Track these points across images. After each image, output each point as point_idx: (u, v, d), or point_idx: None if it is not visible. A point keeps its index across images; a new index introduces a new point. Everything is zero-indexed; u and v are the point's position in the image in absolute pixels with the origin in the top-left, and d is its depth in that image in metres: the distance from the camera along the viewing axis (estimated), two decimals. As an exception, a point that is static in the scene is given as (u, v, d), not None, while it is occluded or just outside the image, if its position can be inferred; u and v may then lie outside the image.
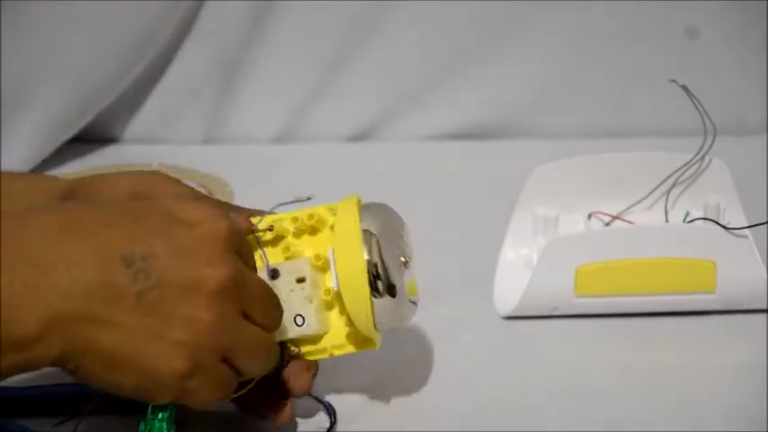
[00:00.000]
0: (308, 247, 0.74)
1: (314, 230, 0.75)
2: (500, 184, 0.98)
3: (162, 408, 0.69)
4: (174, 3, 1.07)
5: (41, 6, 1.02)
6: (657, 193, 0.90)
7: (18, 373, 0.64)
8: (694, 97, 0.88)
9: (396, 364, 0.84)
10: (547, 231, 0.90)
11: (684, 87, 0.88)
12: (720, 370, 0.83)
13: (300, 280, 0.73)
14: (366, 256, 0.72)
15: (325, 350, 0.74)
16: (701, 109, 0.88)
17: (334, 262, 0.73)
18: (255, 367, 0.69)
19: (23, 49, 1.04)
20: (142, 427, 0.69)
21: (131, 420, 0.71)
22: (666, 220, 0.89)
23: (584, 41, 1.10)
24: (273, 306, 0.70)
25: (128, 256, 0.64)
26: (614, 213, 0.90)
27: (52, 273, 0.63)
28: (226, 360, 0.67)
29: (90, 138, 1.12)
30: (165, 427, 0.69)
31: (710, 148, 0.88)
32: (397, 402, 0.81)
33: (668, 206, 0.90)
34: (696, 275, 0.85)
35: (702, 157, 0.89)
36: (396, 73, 1.12)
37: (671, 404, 0.80)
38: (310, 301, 0.73)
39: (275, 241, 0.74)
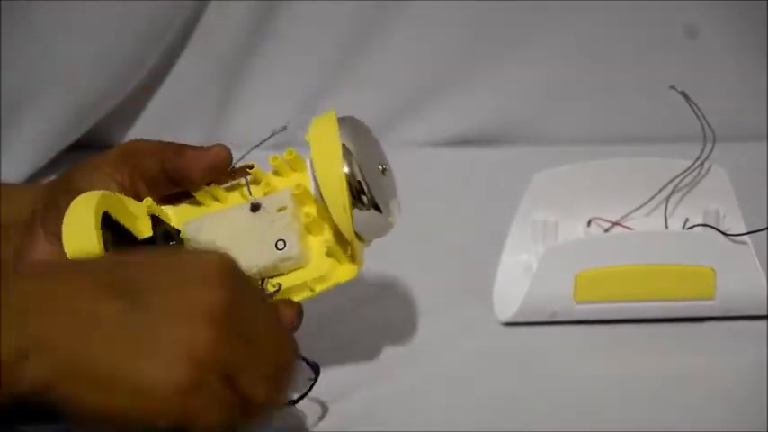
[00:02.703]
0: (287, 184, 0.76)
1: (293, 169, 0.76)
2: (500, 190, 0.98)
3: None
4: (175, 10, 1.07)
5: (41, 13, 1.02)
6: (657, 199, 0.90)
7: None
8: (694, 104, 0.88)
9: (395, 369, 0.84)
10: (546, 237, 0.90)
11: (684, 94, 0.88)
12: (720, 376, 0.83)
13: (281, 209, 0.74)
14: (346, 168, 0.73)
15: (305, 285, 0.75)
16: (700, 115, 0.88)
17: (313, 169, 0.74)
18: (266, 392, 0.64)
19: (24, 57, 1.04)
20: None
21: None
22: (666, 227, 0.89)
23: (584, 48, 1.10)
24: (283, 339, 0.66)
25: (117, 289, 0.62)
26: (614, 219, 0.90)
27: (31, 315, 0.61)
28: (231, 382, 0.63)
29: (90, 144, 1.12)
30: None
31: (710, 154, 0.88)
32: (397, 406, 0.81)
33: (668, 212, 0.90)
34: (696, 282, 0.85)
35: (702, 164, 0.89)
36: (396, 78, 1.12)
37: (671, 410, 0.80)
38: (292, 227, 0.74)
39: (255, 182, 0.76)
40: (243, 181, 0.76)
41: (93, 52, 1.06)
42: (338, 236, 0.75)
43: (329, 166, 0.73)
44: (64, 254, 0.73)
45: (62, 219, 0.73)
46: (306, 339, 0.77)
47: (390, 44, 1.10)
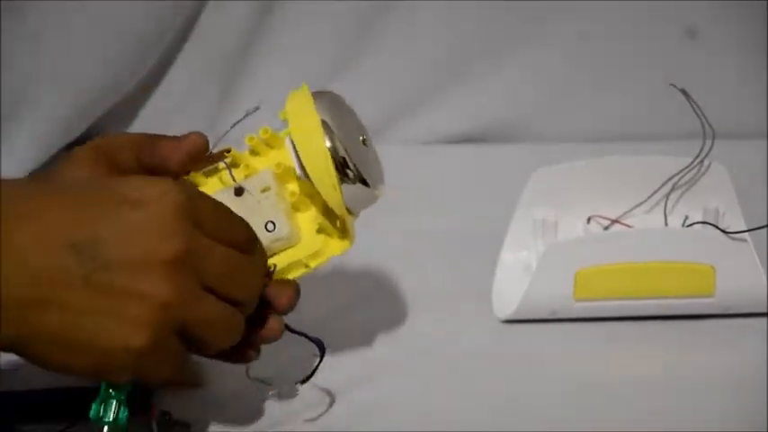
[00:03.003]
0: (267, 164, 0.75)
1: (270, 147, 0.75)
2: (499, 187, 0.98)
3: (117, 386, 0.68)
4: (174, 9, 1.07)
5: (41, 13, 1.02)
6: (657, 196, 0.90)
7: None
8: (693, 101, 0.88)
9: (394, 368, 0.84)
10: (546, 235, 0.90)
11: (683, 91, 0.88)
12: (720, 374, 0.83)
13: (265, 190, 0.74)
14: (328, 143, 0.72)
15: (300, 263, 0.74)
16: (700, 113, 0.88)
17: (296, 147, 0.73)
18: (214, 343, 0.69)
19: (24, 56, 1.04)
20: (95, 406, 0.68)
21: (134, 422, 0.71)
22: (666, 224, 0.89)
23: (584, 46, 1.10)
24: (243, 272, 0.69)
25: (74, 242, 0.64)
26: (613, 217, 0.90)
27: None
28: (182, 334, 0.67)
29: (89, 143, 1.12)
30: (120, 406, 0.69)
31: (710, 151, 0.88)
32: (396, 405, 0.81)
33: (667, 210, 0.90)
34: (695, 279, 0.85)
35: (702, 161, 0.89)
36: (396, 77, 1.12)
37: (670, 408, 0.80)
38: (278, 207, 0.73)
39: (234, 165, 0.75)
40: (221, 165, 0.75)
41: (93, 52, 1.05)
42: (326, 210, 0.74)
43: (311, 143, 0.73)
44: None
45: None
46: (303, 339, 0.77)
47: (390, 43, 1.10)
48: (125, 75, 1.08)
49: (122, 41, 1.06)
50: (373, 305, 0.90)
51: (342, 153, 0.73)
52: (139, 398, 0.71)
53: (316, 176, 0.73)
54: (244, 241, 0.70)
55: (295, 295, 0.74)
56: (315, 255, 0.75)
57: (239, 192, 0.74)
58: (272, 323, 0.73)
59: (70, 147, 1.10)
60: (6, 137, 1.05)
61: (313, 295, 0.76)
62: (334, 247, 0.75)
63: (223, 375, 0.81)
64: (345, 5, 1.09)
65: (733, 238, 0.85)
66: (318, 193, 0.73)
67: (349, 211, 0.74)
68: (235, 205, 0.73)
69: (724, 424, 0.78)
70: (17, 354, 0.65)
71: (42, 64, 1.04)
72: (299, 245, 0.74)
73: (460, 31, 1.10)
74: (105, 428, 0.69)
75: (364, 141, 0.75)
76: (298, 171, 0.74)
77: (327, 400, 0.81)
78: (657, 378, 0.83)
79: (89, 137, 1.11)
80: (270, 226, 0.73)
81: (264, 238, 0.73)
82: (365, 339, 0.87)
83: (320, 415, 0.80)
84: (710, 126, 0.87)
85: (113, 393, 0.68)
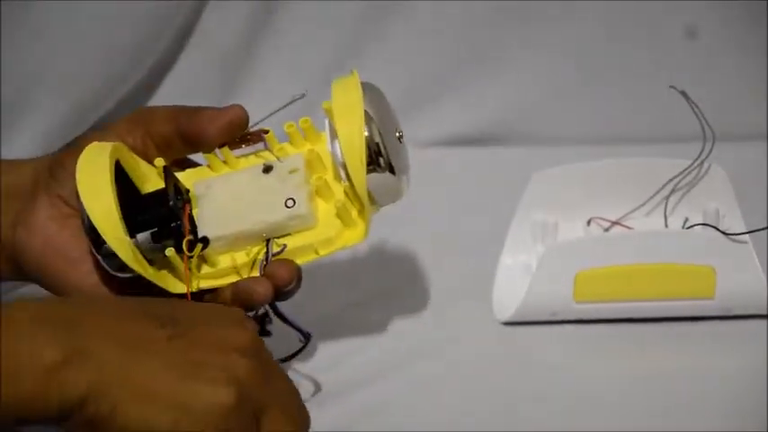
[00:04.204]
0: (302, 150, 0.76)
1: (306, 138, 0.76)
2: (499, 190, 0.98)
3: None
4: (175, 9, 1.07)
5: (41, 13, 1.02)
6: (657, 198, 0.90)
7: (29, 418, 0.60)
8: (693, 103, 0.88)
9: (395, 369, 0.84)
10: (546, 237, 0.90)
11: (683, 93, 0.88)
12: (720, 375, 0.83)
13: (293, 171, 0.75)
14: (366, 130, 0.73)
15: (311, 248, 0.75)
16: (699, 115, 0.88)
17: (334, 126, 0.74)
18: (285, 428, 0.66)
19: (24, 56, 1.04)
20: None
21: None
22: (666, 226, 0.89)
23: (584, 48, 1.10)
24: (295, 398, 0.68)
25: (160, 318, 0.64)
26: (613, 219, 0.90)
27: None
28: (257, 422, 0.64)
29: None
30: None
31: (710, 153, 0.88)
32: (396, 406, 0.81)
33: (667, 212, 0.90)
34: (695, 281, 0.85)
35: (701, 163, 0.89)
36: (396, 79, 1.12)
37: (670, 409, 0.80)
38: (301, 187, 0.74)
39: (269, 149, 0.76)
40: (254, 149, 0.76)
41: (93, 51, 1.05)
42: (347, 198, 0.75)
43: (350, 121, 0.73)
44: (67, 218, 0.74)
45: (68, 179, 0.74)
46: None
47: (390, 44, 1.10)
48: (125, 74, 1.08)
49: (123, 41, 1.06)
50: (374, 307, 0.90)
51: (377, 140, 0.73)
52: None
53: (348, 151, 0.73)
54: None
55: (296, 280, 0.74)
56: (327, 242, 0.75)
57: (268, 169, 0.75)
58: (284, 269, 0.73)
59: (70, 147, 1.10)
60: (6, 137, 1.05)
61: (313, 297, 0.76)
62: (347, 238, 0.75)
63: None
64: (346, 7, 1.09)
65: (733, 240, 0.85)
66: (344, 182, 0.74)
67: (372, 201, 0.74)
68: (261, 179, 0.74)
69: (724, 425, 0.79)
70: (89, 413, 0.61)
71: (42, 64, 1.04)
72: (313, 228, 0.75)
73: (460, 34, 1.10)
74: None
75: (400, 138, 0.76)
76: (330, 150, 0.75)
77: (327, 400, 0.81)
78: (657, 380, 0.83)
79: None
80: (290, 202, 0.74)
81: (282, 212, 0.74)
82: (365, 340, 0.87)
83: (319, 417, 0.80)
84: (710, 128, 0.87)
85: None
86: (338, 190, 0.75)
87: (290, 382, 0.68)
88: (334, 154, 0.75)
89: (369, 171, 0.73)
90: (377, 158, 0.73)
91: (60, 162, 0.76)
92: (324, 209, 0.75)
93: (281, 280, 0.73)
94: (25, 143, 1.06)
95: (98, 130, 0.76)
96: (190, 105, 0.76)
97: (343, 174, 0.74)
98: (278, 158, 0.75)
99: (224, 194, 0.75)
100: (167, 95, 1.11)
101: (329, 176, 0.76)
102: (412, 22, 1.09)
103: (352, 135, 0.73)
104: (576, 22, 1.10)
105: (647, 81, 1.10)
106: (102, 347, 0.61)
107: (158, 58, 1.09)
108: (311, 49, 1.11)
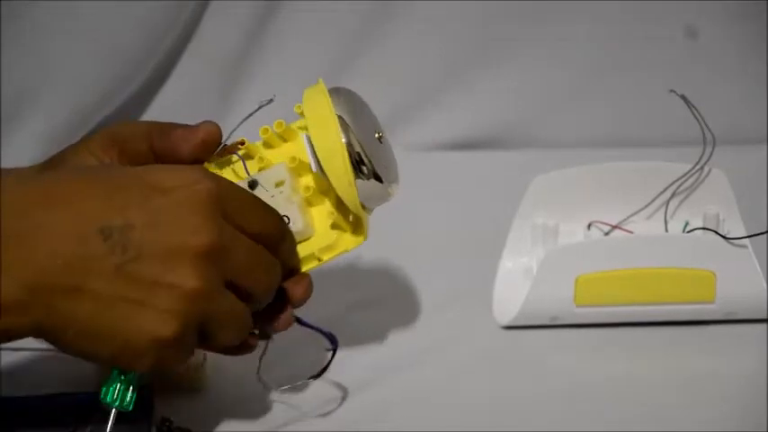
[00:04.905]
0: (281, 157, 0.75)
1: (284, 139, 0.75)
2: (499, 193, 0.98)
3: (127, 371, 0.69)
4: (176, 12, 1.07)
5: (42, 13, 1.02)
6: (657, 202, 0.90)
7: None
8: (694, 107, 0.88)
9: (395, 372, 0.84)
10: (546, 241, 0.90)
11: (684, 97, 0.88)
12: (720, 380, 0.83)
13: (279, 184, 0.74)
14: (343, 139, 0.73)
15: (313, 256, 0.74)
16: (700, 119, 0.88)
17: (312, 143, 0.73)
18: (224, 340, 0.69)
19: (24, 57, 1.03)
20: (106, 389, 0.69)
21: (135, 428, 0.71)
22: (666, 230, 0.89)
23: (584, 52, 1.10)
24: (265, 270, 0.70)
25: (105, 228, 0.65)
26: (614, 223, 0.90)
27: (30, 244, 0.64)
28: (198, 327, 0.67)
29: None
30: (130, 389, 0.69)
31: (710, 158, 0.88)
32: (397, 410, 0.81)
33: (668, 216, 0.90)
34: (696, 285, 0.85)
35: (702, 167, 0.89)
36: (396, 82, 1.12)
37: (671, 414, 0.80)
38: (292, 201, 0.74)
39: (247, 157, 0.75)
40: (234, 157, 0.75)
41: (94, 52, 1.05)
42: (340, 204, 0.74)
43: (327, 138, 0.73)
44: None
45: None
46: (305, 342, 0.77)
47: (390, 48, 1.10)
48: (126, 76, 1.08)
49: (124, 43, 1.06)
50: (374, 310, 0.90)
51: (357, 149, 0.73)
52: (140, 404, 0.71)
53: (331, 172, 0.73)
54: (275, 232, 0.70)
55: (309, 288, 0.74)
56: (327, 248, 0.75)
57: (253, 185, 0.74)
58: (285, 315, 0.74)
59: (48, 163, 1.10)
60: (6, 137, 1.05)
61: (312, 300, 0.76)
62: (348, 242, 0.75)
63: (224, 381, 0.81)
64: (346, 11, 1.09)
65: (733, 244, 0.85)
66: (333, 188, 0.74)
67: (363, 207, 0.74)
68: None
69: (724, 429, 0.79)
70: (41, 338, 0.65)
71: (43, 64, 1.04)
72: (312, 238, 0.75)
73: (460, 37, 1.10)
74: (114, 411, 0.69)
75: (380, 138, 0.75)
76: (313, 166, 0.74)
77: (328, 404, 0.81)
78: (658, 384, 0.83)
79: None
80: (284, 220, 0.73)
81: None
82: (365, 344, 0.87)
83: (319, 420, 0.80)
84: (711, 132, 0.87)
85: (124, 378, 0.69)
86: (327, 196, 0.75)
87: (253, 273, 0.69)
88: (315, 170, 0.74)
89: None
90: (359, 167, 0.73)
91: None
92: (318, 214, 0.75)
93: (301, 298, 0.74)
94: (25, 143, 1.06)
95: (76, 151, 0.75)
96: (164, 122, 0.75)
97: (328, 182, 0.74)
98: (250, 175, 0.74)
99: None
100: (168, 98, 1.11)
101: (315, 183, 0.75)
102: (412, 26, 1.09)
103: (332, 154, 0.73)
104: (577, 25, 1.10)
105: (647, 85, 1.10)
106: (51, 279, 0.64)
107: (159, 61, 1.09)
108: (311, 52, 1.10)
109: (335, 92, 0.74)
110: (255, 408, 0.80)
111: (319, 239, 0.74)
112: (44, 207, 0.65)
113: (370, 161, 0.73)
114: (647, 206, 0.90)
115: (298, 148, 0.75)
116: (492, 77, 1.11)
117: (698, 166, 0.88)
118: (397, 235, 0.95)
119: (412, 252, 0.95)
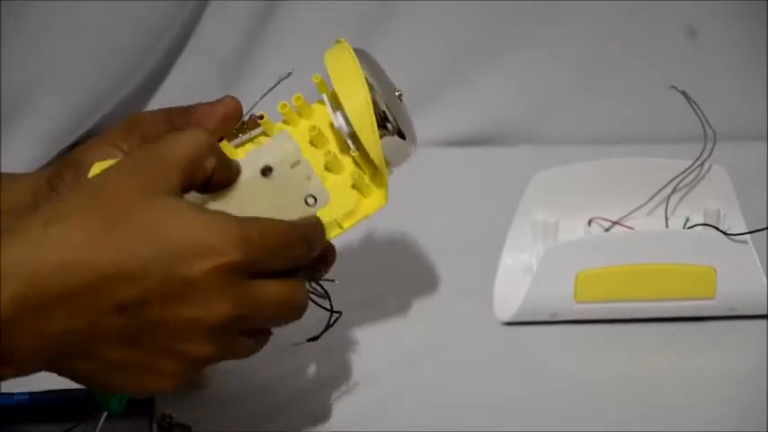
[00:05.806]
0: (298, 133, 0.75)
1: (301, 114, 0.75)
2: (500, 190, 0.98)
3: None
4: (175, 11, 1.07)
5: (41, 13, 1.02)
6: (657, 198, 0.90)
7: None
8: (694, 103, 0.88)
9: (395, 369, 0.84)
10: (547, 237, 0.90)
11: (684, 93, 0.88)
12: (721, 376, 0.83)
13: (295, 165, 0.73)
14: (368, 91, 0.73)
15: (334, 223, 0.74)
16: (700, 115, 0.88)
17: (337, 98, 0.73)
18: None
19: (24, 57, 1.04)
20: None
21: (135, 425, 0.71)
22: (666, 226, 0.89)
23: (584, 48, 1.10)
24: (290, 311, 0.68)
25: (121, 305, 0.63)
26: (614, 219, 0.90)
27: (47, 316, 0.62)
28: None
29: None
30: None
31: (710, 154, 0.88)
32: (397, 406, 0.81)
33: (668, 212, 0.90)
34: (696, 281, 0.85)
35: (702, 163, 0.89)
36: (395, 79, 1.11)
37: (671, 410, 0.80)
38: (312, 180, 0.73)
39: (265, 135, 0.75)
40: (253, 135, 0.75)
41: (93, 52, 1.05)
42: (359, 165, 0.74)
43: (356, 93, 0.73)
44: None
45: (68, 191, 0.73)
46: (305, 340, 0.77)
47: (390, 45, 1.10)
48: (125, 76, 1.08)
49: (123, 43, 1.06)
50: (374, 306, 0.90)
51: (381, 107, 0.73)
52: (141, 400, 0.71)
53: (358, 123, 0.73)
54: (305, 254, 0.69)
55: (333, 258, 0.74)
56: (349, 214, 0.74)
57: (267, 171, 0.73)
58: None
59: (71, 148, 1.10)
60: (6, 137, 1.05)
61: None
62: (368, 206, 0.75)
63: (225, 378, 0.81)
64: (346, 8, 1.09)
65: (734, 240, 0.85)
66: (352, 152, 0.73)
67: (386, 164, 0.74)
68: (268, 189, 0.72)
69: (724, 426, 0.79)
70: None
71: (42, 64, 1.04)
72: (332, 205, 0.74)
73: (460, 34, 1.10)
74: (104, 414, 0.70)
75: (399, 97, 0.76)
76: (335, 124, 0.74)
77: (328, 400, 0.81)
78: (658, 380, 0.83)
79: (89, 138, 1.11)
80: (310, 200, 0.73)
81: (307, 211, 0.73)
82: (366, 340, 0.87)
83: (319, 418, 0.80)
84: (711, 128, 0.87)
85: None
86: (347, 161, 0.75)
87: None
88: (338, 126, 0.74)
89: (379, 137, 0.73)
90: (384, 124, 0.73)
91: (59, 175, 0.76)
92: (336, 182, 0.74)
93: (324, 272, 0.74)
94: (25, 143, 1.06)
95: (94, 142, 0.75)
96: (180, 106, 0.76)
97: (350, 143, 0.74)
98: (253, 141, 0.74)
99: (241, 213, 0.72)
100: (167, 97, 1.11)
101: (335, 149, 0.75)
102: (412, 23, 1.09)
103: (360, 105, 0.73)
104: (577, 21, 1.10)
105: (647, 81, 1.10)
106: (59, 342, 0.63)
107: (158, 60, 1.09)
108: (311, 51, 1.10)
109: (357, 51, 0.75)
110: (255, 405, 0.80)
111: (339, 205, 0.74)
112: (60, 277, 0.62)
113: (394, 118, 0.74)
114: (647, 202, 0.90)
115: (315, 122, 0.75)
116: (493, 74, 1.11)
117: (698, 163, 0.88)
118: (398, 231, 0.95)
119: (412, 248, 0.95)
